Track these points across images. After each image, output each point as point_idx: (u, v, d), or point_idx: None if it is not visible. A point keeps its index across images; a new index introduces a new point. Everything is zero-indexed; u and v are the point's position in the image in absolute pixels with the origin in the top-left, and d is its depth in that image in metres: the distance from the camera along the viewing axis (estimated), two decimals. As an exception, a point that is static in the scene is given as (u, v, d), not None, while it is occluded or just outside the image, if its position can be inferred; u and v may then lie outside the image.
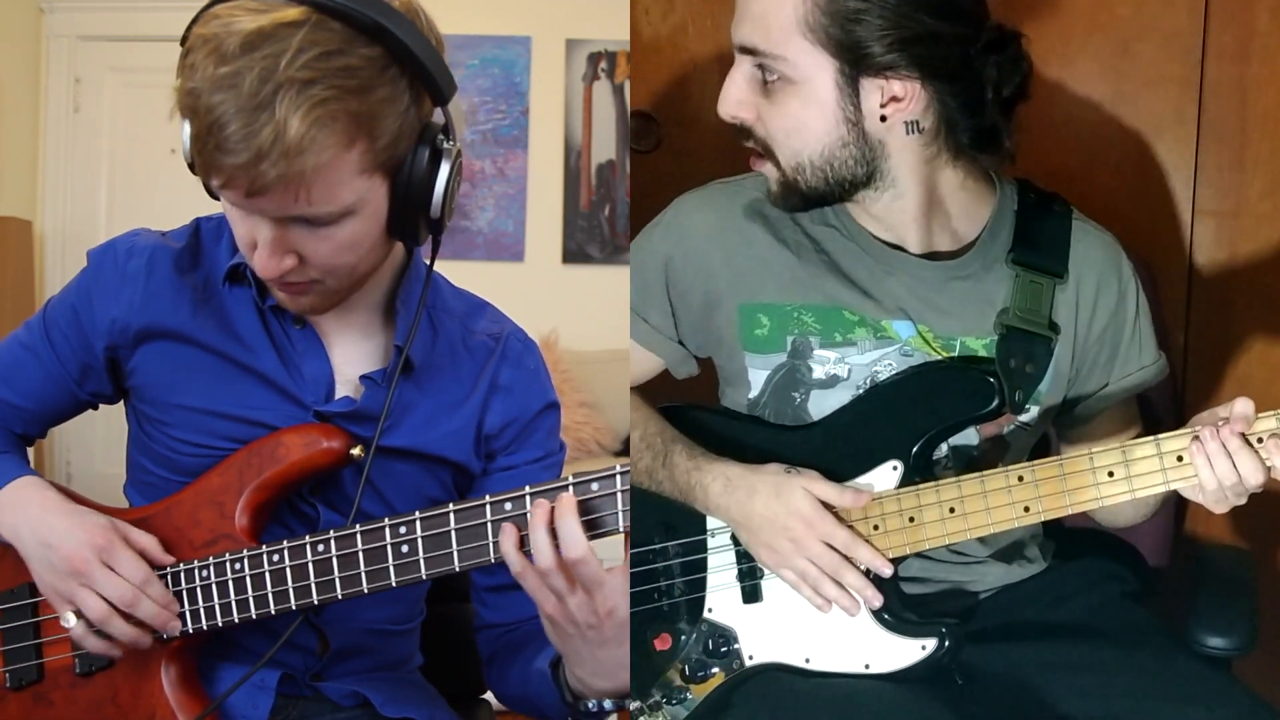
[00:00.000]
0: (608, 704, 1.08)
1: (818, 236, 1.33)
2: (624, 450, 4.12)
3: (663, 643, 1.33)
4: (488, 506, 1.03)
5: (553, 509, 0.99)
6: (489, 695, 1.46)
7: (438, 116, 1.08)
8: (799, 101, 1.21)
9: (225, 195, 1.02)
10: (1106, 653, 1.30)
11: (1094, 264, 1.34)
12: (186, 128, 0.99)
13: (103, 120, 4.47)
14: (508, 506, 1.03)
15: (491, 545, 1.03)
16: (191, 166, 1.03)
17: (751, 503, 1.24)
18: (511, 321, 1.30)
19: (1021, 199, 1.34)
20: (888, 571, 1.24)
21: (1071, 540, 1.48)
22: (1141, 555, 1.59)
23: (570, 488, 1.00)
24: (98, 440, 4.06)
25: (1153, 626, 1.36)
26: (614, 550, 2.83)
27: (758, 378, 1.34)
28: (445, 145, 1.07)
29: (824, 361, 1.31)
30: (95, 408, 1.28)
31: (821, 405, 1.32)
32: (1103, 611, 1.37)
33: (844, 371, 1.31)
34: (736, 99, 1.25)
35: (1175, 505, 1.70)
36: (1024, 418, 1.33)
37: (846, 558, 1.23)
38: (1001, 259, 1.30)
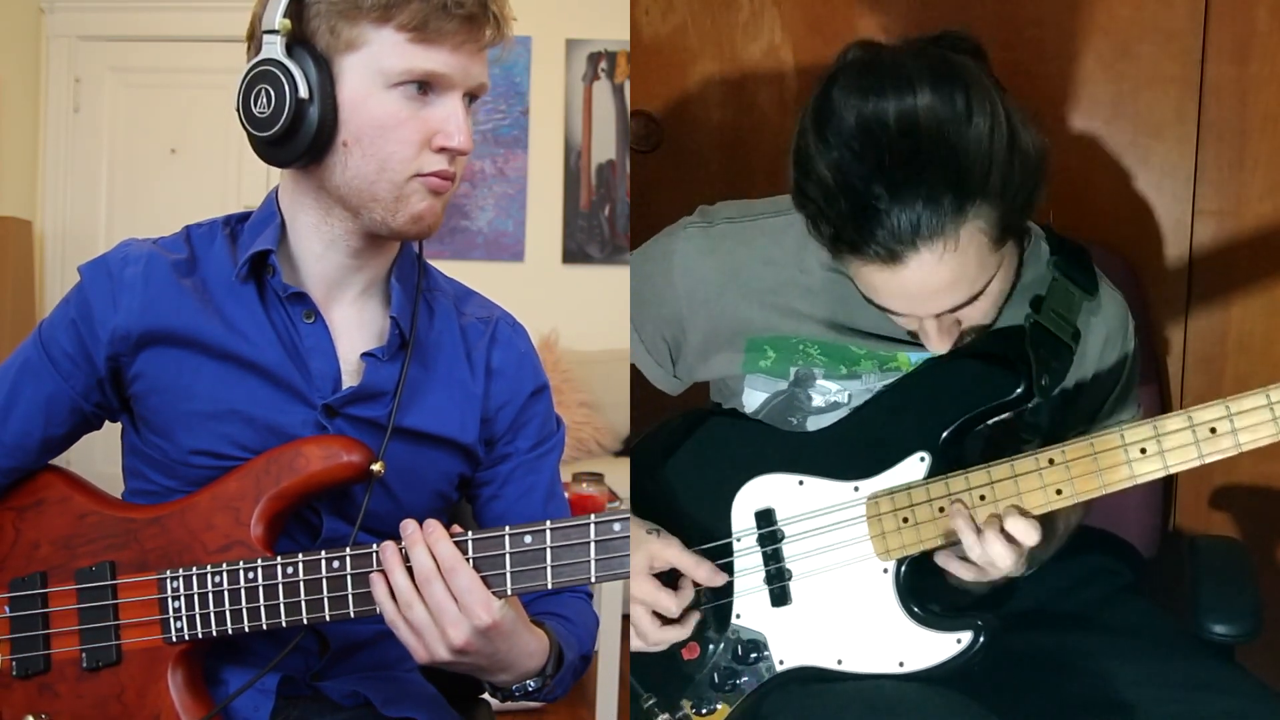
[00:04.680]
0: (531, 684, 1.11)
1: (825, 280, 1.32)
2: (624, 451, 4.12)
3: (690, 652, 1.32)
4: (507, 538, 1.03)
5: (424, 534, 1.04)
6: (489, 695, 1.46)
7: None
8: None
9: (439, 65, 1.10)
10: (1113, 643, 1.31)
11: (1106, 319, 1.34)
12: (380, 23, 1.08)
13: (103, 120, 4.47)
14: (527, 539, 1.02)
15: (509, 575, 1.03)
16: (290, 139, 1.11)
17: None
18: (500, 307, 1.32)
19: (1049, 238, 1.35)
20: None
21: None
22: (1135, 549, 1.59)
23: (591, 526, 1.01)
24: (98, 440, 4.04)
25: (1155, 617, 1.37)
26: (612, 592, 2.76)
27: (754, 398, 1.35)
28: None
29: (825, 392, 1.32)
30: (99, 426, 1.26)
31: (819, 426, 1.33)
32: (1105, 604, 1.37)
33: (844, 399, 1.32)
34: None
35: (1164, 498, 1.71)
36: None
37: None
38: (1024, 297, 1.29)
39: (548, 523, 1.02)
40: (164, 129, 4.35)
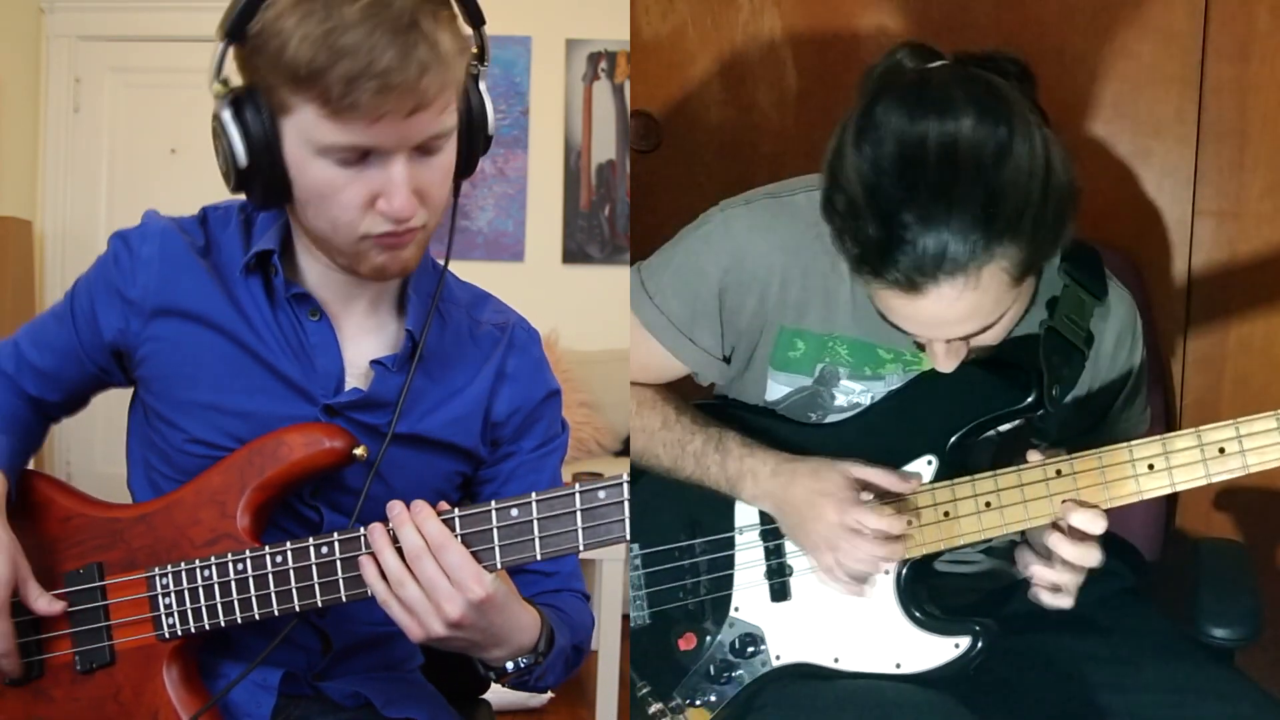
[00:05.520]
0: (523, 661, 1.11)
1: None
2: (624, 450, 4.12)
3: (687, 642, 1.32)
4: (494, 513, 1.03)
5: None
6: (489, 695, 1.46)
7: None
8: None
9: (365, 137, 1.02)
10: (1110, 646, 1.30)
11: (1117, 321, 1.34)
12: (296, 94, 1.02)
13: (103, 120, 4.47)
14: (514, 513, 1.03)
15: (498, 550, 1.03)
16: (246, 177, 1.08)
17: (792, 485, 1.25)
18: (515, 312, 1.31)
19: None
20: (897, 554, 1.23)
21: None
22: (1139, 551, 1.59)
23: (577, 495, 1.01)
24: (98, 440, 4.06)
25: (1156, 621, 1.36)
26: (615, 552, 2.80)
27: (776, 390, 1.34)
28: (480, 69, 1.14)
29: (849, 392, 1.32)
30: (112, 384, 1.28)
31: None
32: (1105, 607, 1.37)
33: (867, 400, 1.32)
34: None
35: (1167, 500, 1.71)
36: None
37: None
38: (1041, 302, 1.29)
39: (533, 495, 1.02)
40: (164, 129, 4.34)
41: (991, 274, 1.08)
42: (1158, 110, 1.79)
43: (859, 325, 1.30)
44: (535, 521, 1.02)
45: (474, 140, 1.16)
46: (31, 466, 1.26)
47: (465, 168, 1.17)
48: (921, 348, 1.23)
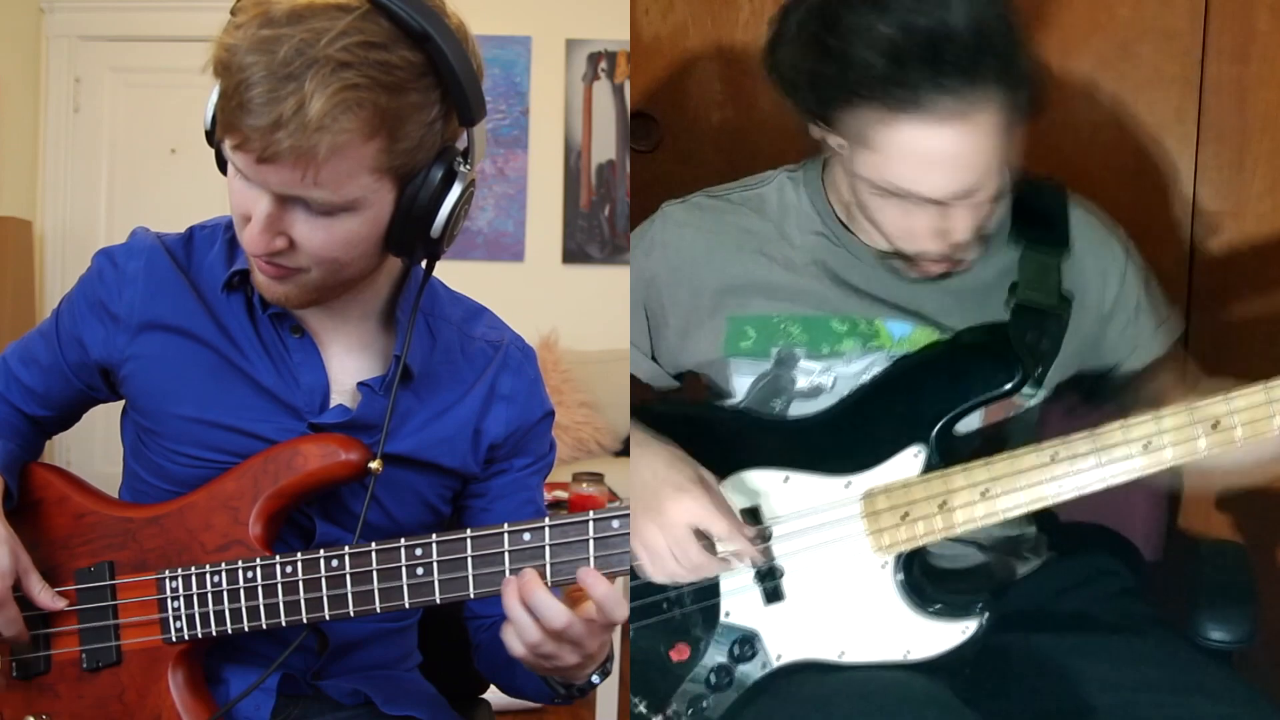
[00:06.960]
0: (595, 678, 1.11)
1: (807, 245, 1.34)
2: (624, 451, 4.12)
3: (679, 653, 1.31)
4: (505, 535, 1.03)
5: (520, 587, 1.01)
6: (489, 695, 1.46)
7: (461, 141, 1.09)
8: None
9: (235, 159, 1.02)
10: (1109, 645, 1.30)
11: (1091, 241, 1.35)
12: (216, 89, 1.01)
13: (103, 120, 4.47)
14: (526, 537, 1.03)
15: (508, 573, 1.03)
16: (209, 135, 1.07)
17: (640, 465, 1.25)
18: (510, 329, 1.30)
19: (1015, 186, 1.34)
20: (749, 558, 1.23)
21: (1066, 535, 1.48)
22: (1138, 550, 1.59)
23: (590, 523, 1.01)
24: (98, 440, 4.06)
25: (1152, 620, 1.37)
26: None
27: (741, 384, 1.35)
28: (461, 169, 1.08)
29: (809, 373, 1.32)
30: (100, 400, 1.28)
31: (802, 413, 1.33)
32: (1102, 606, 1.37)
33: (829, 381, 1.31)
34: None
35: (1167, 500, 1.71)
36: (1031, 402, 1.33)
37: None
38: (999, 246, 1.31)
39: (546, 520, 1.03)
40: (164, 129, 4.34)
41: (1003, 108, 1.15)
42: (1158, 110, 1.80)
43: (806, 299, 1.31)
44: (547, 547, 1.02)
45: (410, 229, 1.08)
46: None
47: (397, 247, 1.10)
48: (909, 265, 1.24)
